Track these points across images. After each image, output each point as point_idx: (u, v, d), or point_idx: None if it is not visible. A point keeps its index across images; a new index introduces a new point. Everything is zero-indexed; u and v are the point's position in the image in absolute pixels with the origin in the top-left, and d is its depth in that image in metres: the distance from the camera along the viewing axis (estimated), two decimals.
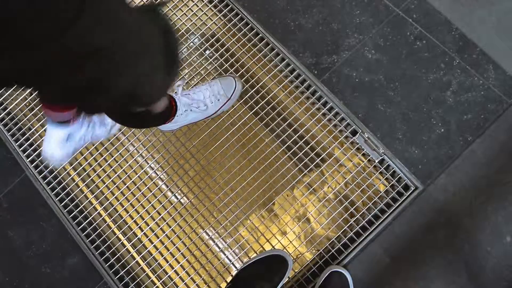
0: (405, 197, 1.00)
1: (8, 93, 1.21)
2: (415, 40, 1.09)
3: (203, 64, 1.16)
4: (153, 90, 0.48)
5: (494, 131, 1.02)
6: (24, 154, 1.14)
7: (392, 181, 1.03)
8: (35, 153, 1.15)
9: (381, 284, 0.98)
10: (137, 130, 1.13)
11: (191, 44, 1.18)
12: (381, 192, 1.03)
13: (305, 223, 1.05)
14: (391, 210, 1.00)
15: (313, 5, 1.15)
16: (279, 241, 1.04)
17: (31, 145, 1.16)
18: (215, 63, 1.15)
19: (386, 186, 1.04)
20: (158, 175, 1.12)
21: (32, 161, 1.14)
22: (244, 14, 1.16)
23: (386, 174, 1.03)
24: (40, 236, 1.09)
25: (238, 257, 1.06)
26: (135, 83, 0.42)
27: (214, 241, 1.07)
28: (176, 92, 0.98)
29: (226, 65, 1.15)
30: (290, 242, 1.04)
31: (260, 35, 1.14)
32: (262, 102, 1.11)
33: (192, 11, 1.20)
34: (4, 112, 1.20)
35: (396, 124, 1.05)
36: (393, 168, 1.02)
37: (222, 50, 1.16)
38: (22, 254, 1.09)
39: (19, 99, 1.21)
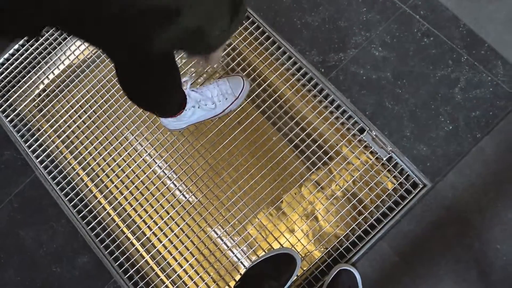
0: (413, 194, 1.00)
1: (17, 94, 1.23)
2: (422, 37, 1.08)
3: None
4: (218, 33, 0.47)
5: (503, 128, 1.01)
6: (34, 155, 1.15)
7: (400, 178, 1.03)
8: (44, 154, 1.16)
9: (390, 282, 0.98)
10: (145, 129, 1.14)
11: None
12: (389, 189, 1.03)
13: (313, 221, 1.05)
14: (400, 207, 1.00)
15: (319, 3, 1.14)
16: (287, 239, 1.04)
17: (40, 145, 1.17)
18: (222, 62, 1.15)
19: (394, 184, 1.03)
20: (166, 174, 1.12)
21: (41, 162, 1.15)
22: (250, 13, 1.16)
23: (394, 172, 1.03)
24: (50, 236, 1.10)
25: (247, 256, 1.06)
26: (205, 20, 0.43)
27: (222, 240, 1.08)
28: (185, 88, 0.98)
29: (233, 64, 1.15)
30: (298, 240, 1.04)
31: (267, 33, 1.14)
32: (269, 101, 1.11)
33: None
34: (14, 113, 1.21)
35: (403, 121, 1.04)
36: (401, 166, 1.02)
37: (229, 49, 1.16)
38: (33, 253, 1.10)
39: (28, 100, 1.22)
